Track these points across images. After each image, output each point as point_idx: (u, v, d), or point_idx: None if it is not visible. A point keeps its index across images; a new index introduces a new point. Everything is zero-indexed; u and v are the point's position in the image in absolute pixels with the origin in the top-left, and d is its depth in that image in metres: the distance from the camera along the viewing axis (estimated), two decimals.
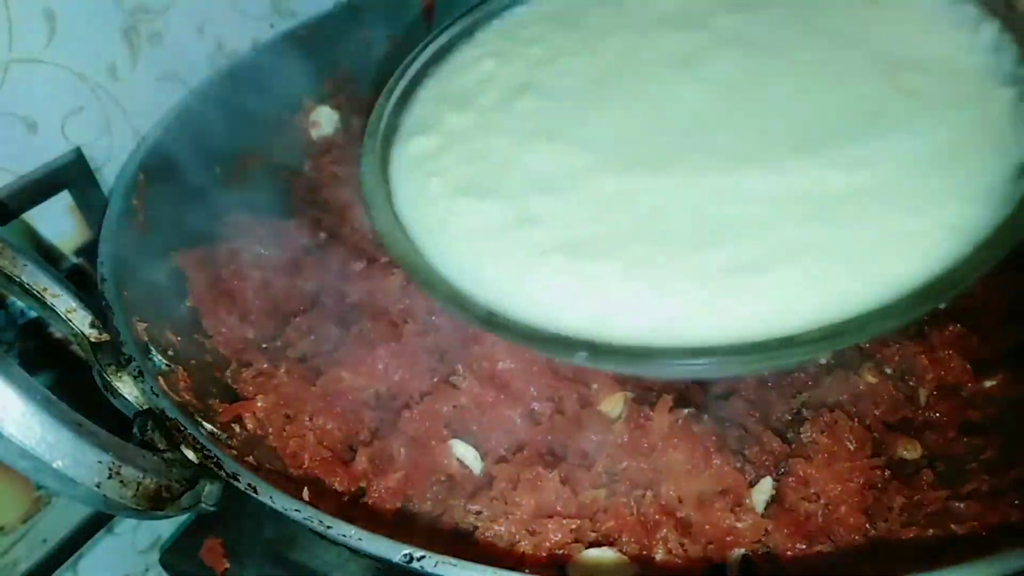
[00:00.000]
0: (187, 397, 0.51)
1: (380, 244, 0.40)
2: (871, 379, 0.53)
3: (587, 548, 0.45)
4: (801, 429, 0.50)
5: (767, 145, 0.38)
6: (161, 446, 0.47)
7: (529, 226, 0.39)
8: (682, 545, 0.45)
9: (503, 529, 0.47)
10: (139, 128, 0.69)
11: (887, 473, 0.48)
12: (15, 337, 0.62)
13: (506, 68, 0.48)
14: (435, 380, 0.55)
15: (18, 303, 0.61)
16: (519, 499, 0.47)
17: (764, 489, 0.47)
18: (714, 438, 0.48)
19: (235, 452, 0.48)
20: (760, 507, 0.47)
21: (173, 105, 0.70)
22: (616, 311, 0.35)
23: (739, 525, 0.46)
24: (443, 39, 0.50)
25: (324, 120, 0.81)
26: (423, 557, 0.38)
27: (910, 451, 0.50)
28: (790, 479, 0.47)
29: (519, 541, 0.46)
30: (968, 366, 0.53)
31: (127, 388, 0.50)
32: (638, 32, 0.47)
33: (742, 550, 0.45)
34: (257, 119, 0.75)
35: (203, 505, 0.48)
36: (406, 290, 0.59)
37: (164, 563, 0.66)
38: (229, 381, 0.57)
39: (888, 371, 0.55)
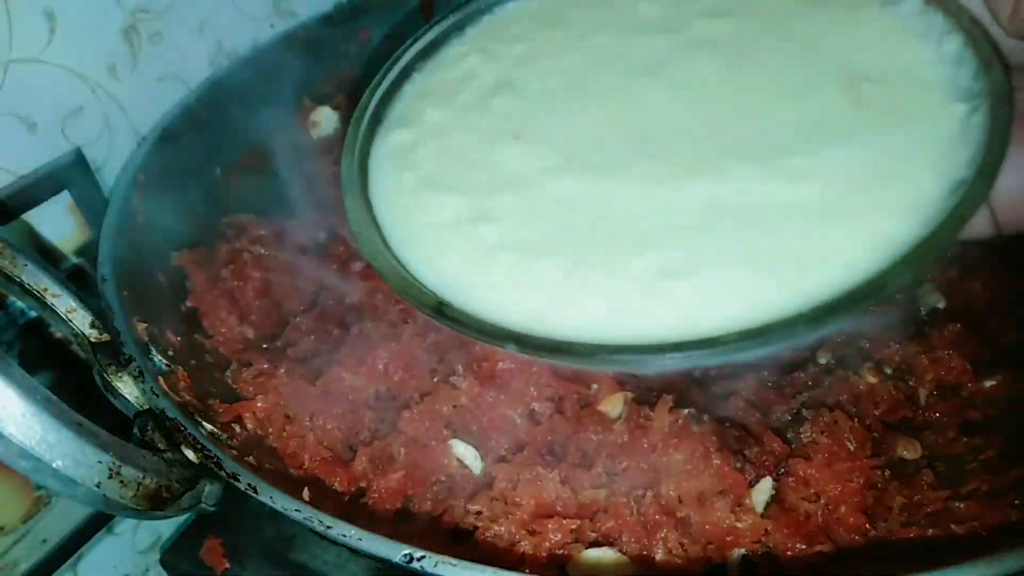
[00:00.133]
0: (187, 397, 0.51)
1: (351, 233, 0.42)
2: (871, 379, 0.53)
3: (587, 548, 0.45)
4: (801, 429, 0.50)
5: (718, 153, 0.40)
6: (161, 446, 0.47)
7: (484, 223, 0.41)
8: (682, 545, 0.45)
9: (503, 529, 0.47)
10: (139, 128, 0.70)
11: (887, 473, 0.48)
12: (15, 337, 0.62)
13: (488, 65, 0.49)
14: (435, 380, 0.55)
15: (18, 303, 0.61)
16: (519, 499, 0.47)
17: (764, 489, 0.47)
18: (714, 438, 0.48)
19: (235, 452, 0.48)
20: (760, 507, 0.47)
21: (173, 105, 0.70)
22: (554, 308, 0.37)
23: (739, 525, 0.46)
24: (434, 34, 0.51)
25: (324, 120, 0.81)
26: (423, 557, 0.38)
27: (910, 451, 0.50)
28: (790, 479, 0.47)
29: (519, 541, 0.46)
30: (968, 366, 0.53)
31: (127, 388, 0.50)
32: (617, 35, 0.48)
33: (742, 550, 0.45)
34: (257, 119, 0.75)
35: (203, 505, 0.48)
36: None
37: (164, 563, 0.66)
38: (229, 381, 0.57)
39: (888, 371, 0.55)
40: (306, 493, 0.48)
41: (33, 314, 0.62)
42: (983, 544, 0.40)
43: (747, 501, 0.47)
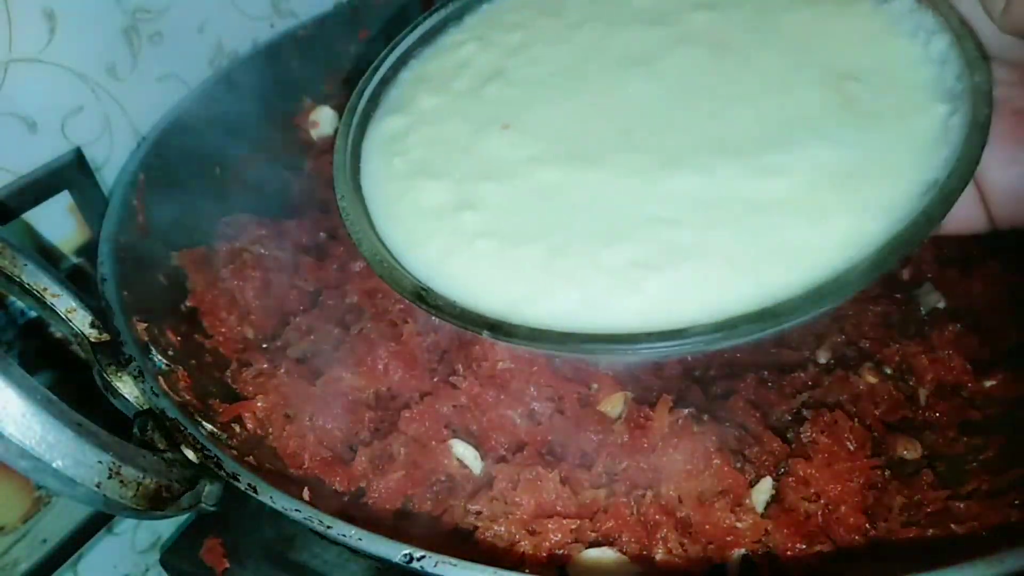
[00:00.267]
0: (187, 397, 0.51)
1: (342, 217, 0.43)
2: (871, 379, 0.53)
3: (587, 548, 0.45)
4: (801, 429, 0.50)
5: (699, 147, 0.40)
6: (161, 446, 0.47)
7: (468, 210, 0.41)
8: (682, 545, 0.45)
9: (503, 529, 0.47)
10: (139, 128, 0.69)
11: (887, 473, 0.48)
12: (15, 337, 0.62)
13: (484, 54, 0.50)
14: (435, 380, 0.55)
15: (18, 303, 0.61)
16: (519, 499, 0.47)
17: (764, 489, 0.47)
18: (714, 438, 0.48)
19: (235, 452, 0.48)
20: (760, 507, 0.47)
21: (173, 105, 0.70)
22: (531, 296, 0.37)
23: (739, 525, 0.46)
24: (432, 21, 0.51)
25: (324, 120, 0.81)
26: (423, 557, 0.38)
27: (910, 451, 0.50)
28: (790, 479, 0.47)
29: (519, 541, 0.46)
30: (968, 366, 0.53)
31: (127, 388, 0.50)
32: (610, 25, 0.49)
33: (742, 550, 0.45)
34: (257, 119, 0.75)
35: (203, 505, 0.48)
36: None
37: (164, 563, 0.66)
38: (229, 381, 0.58)
39: (888, 371, 0.55)
40: (306, 493, 0.48)
41: (33, 314, 0.62)
42: (983, 544, 0.40)
43: (747, 501, 0.47)
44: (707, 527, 0.46)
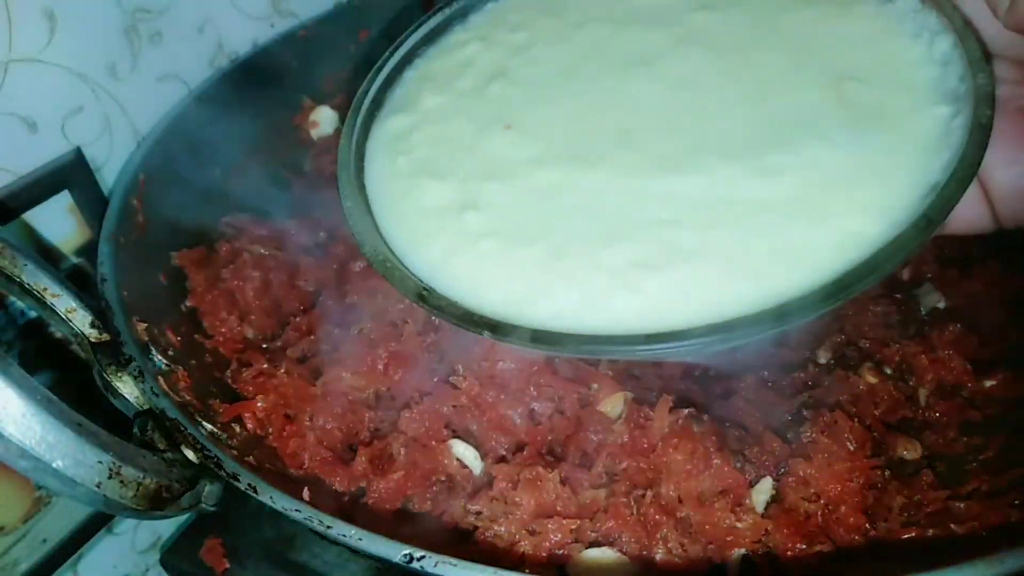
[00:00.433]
0: (187, 397, 0.51)
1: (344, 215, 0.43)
2: (871, 379, 0.53)
3: (587, 548, 0.45)
4: (801, 429, 0.50)
5: (697, 149, 0.40)
6: (161, 446, 0.47)
7: (470, 210, 0.41)
8: (682, 545, 0.45)
9: (503, 529, 0.47)
10: (139, 128, 0.69)
11: (887, 473, 0.48)
12: (15, 337, 0.62)
13: (488, 53, 0.50)
14: (435, 380, 0.55)
15: (18, 303, 0.61)
16: (519, 499, 0.47)
17: (764, 489, 0.47)
18: (714, 438, 0.48)
19: (235, 452, 0.48)
20: (760, 507, 0.47)
21: (173, 105, 0.70)
22: (532, 296, 0.37)
23: (739, 525, 0.46)
24: (437, 20, 0.51)
25: (324, 120, 0.81)
26: (423, 557, 0.38)
27: (910, 451, 0.50)
28: (790, 479, 0.47)
29: (519, 541, 0.46)
30: (968, 366, 0.53)
31: (127, 388, 0.50)
32: (612, 25, 0.49)
33: (742, 550, 0.45)
34: (257, 119, 0.75)
35: (203, 505, 0.48)
36: None
37: (164, 563, 0.66)
38: (229, 381, 0.57)
39: (888, 371, 0.55)
40: (306, 493, 0.48)
41: (33, 314, 0.62)
42: (983, 544, 0.40)
43: (747, 501, 0.47)
44: (707, 527, 0.46)
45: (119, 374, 0.50)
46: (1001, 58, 0.38)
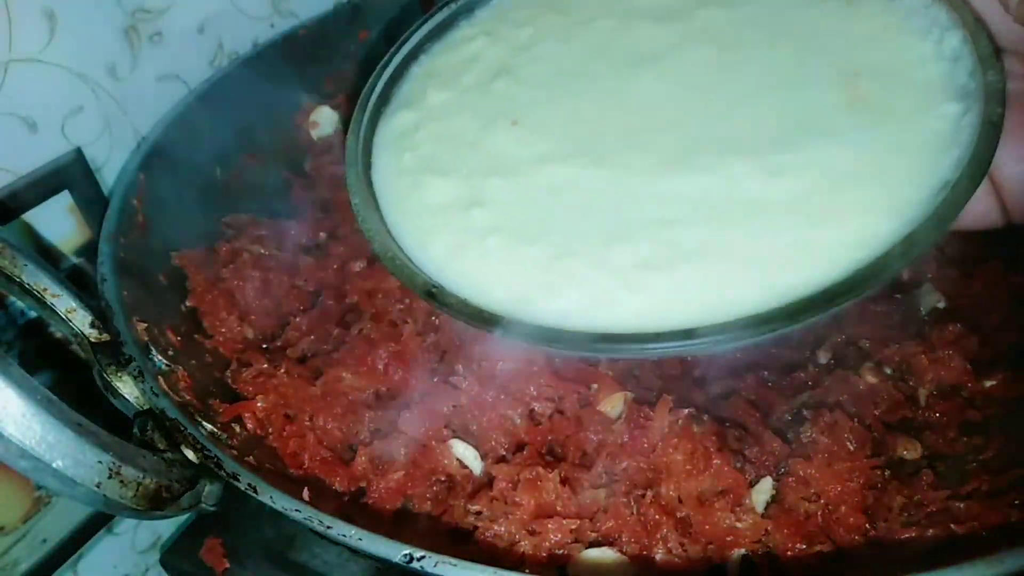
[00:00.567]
0: (187, 397, 0.51)
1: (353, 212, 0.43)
2: (871, 379, 0.53)
3: (587, 548, 0.45)
4: (801, 429, 0.50)
5: (707, 146, 0.40)
6: (161, 446, 0.47)
7: (476, 207, 0.41)
8: (682, 545, 0.45)
9: (503, 529, 0.47)
10: (139, 128, 0.69)
11: (887, 473, 0.48)
12: (15, 337, 0.62)
13: (493, 49, 0.49)
14: (435, 380, 0.55)
15: (18, 303, 0.61)
16: (519, 499, 0.47)
17: (764, 489, 0.47)
18: (714, 438, 0.48)
19: (235, 452, 0.48)
20: (760, 507, 0.47)
21: (173, 105, 0.70)
22: (537, 294, 0.37)
23: (739, 525, 0.46)
24: (443, 15, 0.51)
25: (324, 120, 0.81)
26: (423, 557, 0.38)
27: (910, 451, 0.50)
28: (790, 479, 0.47)
29: (519, 541, 0.46)
30: (968, 366, 0.53)
31: (127, 388, 0.50)
32: (619, 22, 0.49)
33: (742, 550, 0.45)
34: (257, 119, 0.75)
35: (203, 505, 0.48)
36: (406, 290, 0.59)
37: (164, 563, 0.66)
38: (229, 381, 0.57)
39: (888, 371, 0.55)
40: (306, 493, 0.48)
41: (33, 314, 0.62)
42: (983, 544, 0.40)
43: (747, 501, 0.47)
44: (707, 527, 0.46)
45: (119, 374, 0.50)
46: (1011, 53, 0.37)
